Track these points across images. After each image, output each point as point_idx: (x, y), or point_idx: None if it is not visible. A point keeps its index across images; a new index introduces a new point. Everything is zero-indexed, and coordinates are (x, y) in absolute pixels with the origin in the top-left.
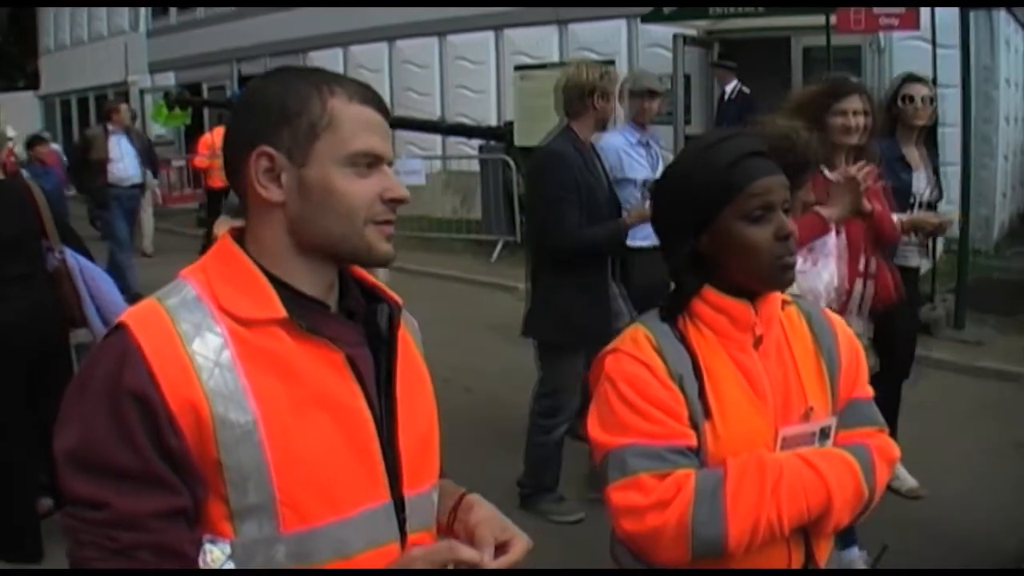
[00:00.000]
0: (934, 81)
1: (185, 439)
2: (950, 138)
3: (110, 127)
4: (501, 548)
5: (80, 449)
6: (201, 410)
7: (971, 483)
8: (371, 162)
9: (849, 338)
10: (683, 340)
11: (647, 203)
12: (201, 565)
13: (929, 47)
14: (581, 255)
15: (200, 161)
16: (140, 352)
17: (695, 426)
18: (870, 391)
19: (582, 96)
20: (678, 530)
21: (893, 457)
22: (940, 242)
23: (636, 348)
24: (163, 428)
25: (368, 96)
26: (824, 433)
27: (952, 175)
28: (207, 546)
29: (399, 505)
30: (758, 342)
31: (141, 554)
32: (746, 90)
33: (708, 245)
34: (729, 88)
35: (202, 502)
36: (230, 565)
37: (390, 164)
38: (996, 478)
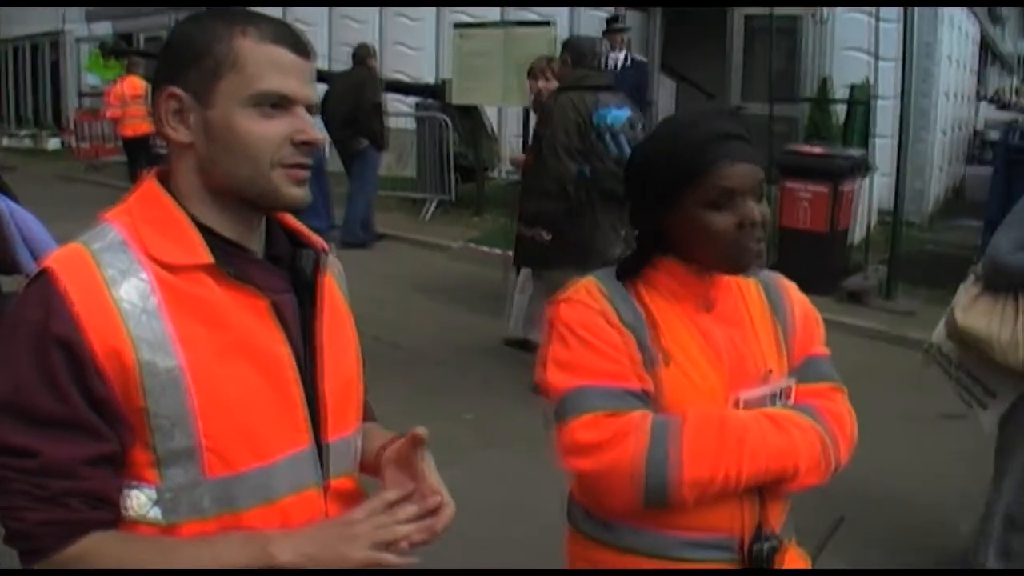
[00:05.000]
0: (875, 54)
1: (111, 386)
2: (886, 111)
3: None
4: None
5: (8, 398)
6: (126, 357)
7: (904, 452)
8: (278, 103)
9: (802, 301)
10: (636, 296)
11: None
12: (124, 511)
13: (871, 20)
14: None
15: (112, 112)
16: (65, 298)
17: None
18: (826, 350)
19: None
20: (632, 469)
21: (847, 425)
22: (874, 213)
23: (589, 297)
24: (89, 375)
25: (284, 36)
26: (783, 394)
27: (888, 147)
28: (132, 492)
29: (321, 450)
30: (710, 306)
31: (71, 501)
32: (641, 58)
33: (671, 225)
34: (621, 56)
35: (127, 449)
36: (156, 510)
37: (312, 109)
38: (925, 448)
